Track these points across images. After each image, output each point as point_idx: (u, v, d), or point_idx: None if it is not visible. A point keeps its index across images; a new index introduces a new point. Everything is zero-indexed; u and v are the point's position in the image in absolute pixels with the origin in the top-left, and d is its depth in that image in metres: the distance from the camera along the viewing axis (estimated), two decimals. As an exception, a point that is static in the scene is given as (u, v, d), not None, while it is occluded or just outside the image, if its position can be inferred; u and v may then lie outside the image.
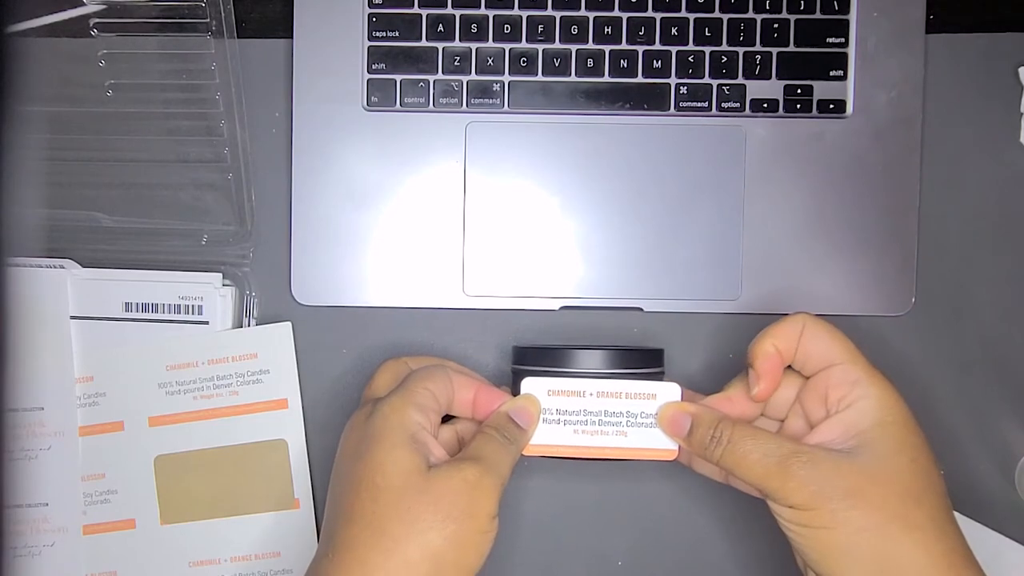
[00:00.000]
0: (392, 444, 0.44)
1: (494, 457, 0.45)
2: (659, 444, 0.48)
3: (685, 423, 0.46)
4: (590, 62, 0.56)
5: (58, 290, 0.55)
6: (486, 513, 0.43)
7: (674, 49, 0.56)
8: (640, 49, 0.56)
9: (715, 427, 0.45)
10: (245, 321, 0.56)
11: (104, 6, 0.55)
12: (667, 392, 0.47)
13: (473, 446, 0.46)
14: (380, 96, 0.56)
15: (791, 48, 0.56)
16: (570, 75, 0.56)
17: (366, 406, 0.47)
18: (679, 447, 0.47)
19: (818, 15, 0.56)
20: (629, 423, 0.48)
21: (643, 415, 0.48)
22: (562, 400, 0.48)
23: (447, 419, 0.49)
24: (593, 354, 0.49)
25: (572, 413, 0.48)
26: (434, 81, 0.56)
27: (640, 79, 0.56)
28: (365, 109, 0.56)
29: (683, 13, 0.56)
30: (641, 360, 0.49)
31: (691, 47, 0.56)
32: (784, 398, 0.47)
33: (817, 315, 0.46)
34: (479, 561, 0.44)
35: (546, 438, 0.48)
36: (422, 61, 0.56)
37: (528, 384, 0.48)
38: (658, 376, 0.50)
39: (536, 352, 0.50)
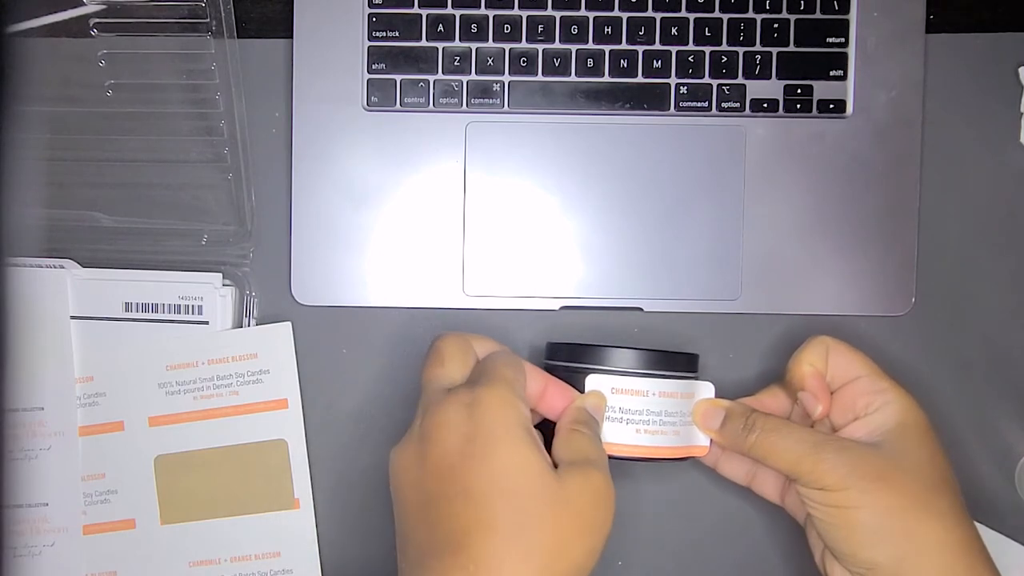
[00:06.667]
0: (514, 443, 0.41)
1: (602, 459, 0.44)
2: (694, 441, 0.49)
3: (718, 416, 0.48)
4: (590, 62, 0.56)
5: (58, 290, 0.54)
6: (611, 522, 0.43)
7: (674, 49, 0.56)
8: (640, 49, 0.56)
9: (747, 417, 0.47)
10: (245, 321, 0.56)
11: (104, 6, 0.55)
12: (703, 390, 0.49)
13: (576, 447, 0.44)
14: (380, 96, 0.56)
15: (791, 48, 0.56)
16: (570, 75, 0.56)
17: (459, 395, 0.43)
18: (710, 442, 0.49)
19: (818, 15, 0.56)
20: (681, 423, 0.48)
21: (685, 414, 0.49)
22: (625, 399, 0.47)
23: None
24: (655, 355, 0.48)
25: (635, 412, 0.48)
26: (434, 81, 0.56)
27: (640, 79, 0.56)
28: (365, 109, 0.56)
29: (683, 13, 0.56)
30: (690, 363, 0.50)
31: (691, 47, 0.56)
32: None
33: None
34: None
35: (609, 436, 0.47)
36: (422, 61, 0.56)
37: (593, 381, 0.47)
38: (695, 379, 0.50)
39: (570, 348, 0.49)
